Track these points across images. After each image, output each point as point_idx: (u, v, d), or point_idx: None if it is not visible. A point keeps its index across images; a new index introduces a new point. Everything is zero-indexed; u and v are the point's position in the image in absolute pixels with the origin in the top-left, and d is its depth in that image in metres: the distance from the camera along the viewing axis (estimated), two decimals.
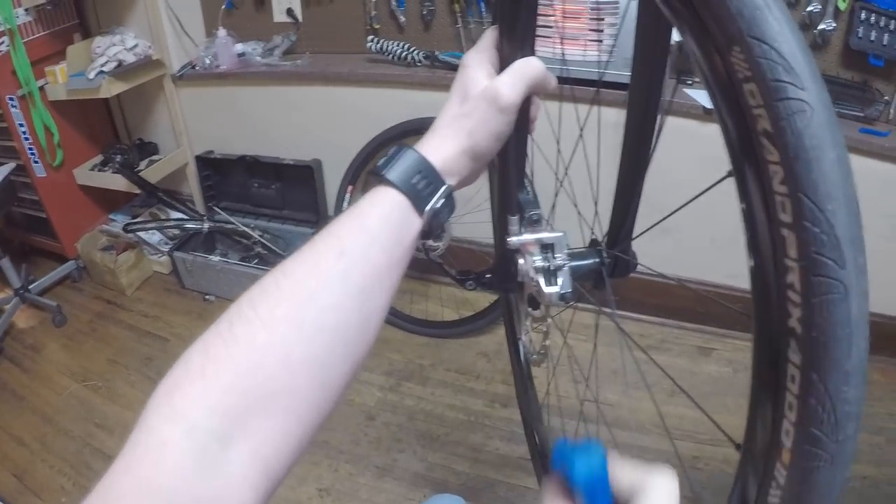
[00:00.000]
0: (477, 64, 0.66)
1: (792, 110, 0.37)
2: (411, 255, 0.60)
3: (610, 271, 0.85)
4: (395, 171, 0.59)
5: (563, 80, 0.74)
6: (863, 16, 1.86)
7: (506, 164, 0.85)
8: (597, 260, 0.84)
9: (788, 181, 0.38)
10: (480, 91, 0.63)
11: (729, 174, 0.46)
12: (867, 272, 0.38)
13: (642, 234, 0.83)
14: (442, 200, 0.61)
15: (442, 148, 0.63)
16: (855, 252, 0.38)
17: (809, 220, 0.37)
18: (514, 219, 0.85)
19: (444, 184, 0.62)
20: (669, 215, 0.72)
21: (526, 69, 0.64)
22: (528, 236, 0.78)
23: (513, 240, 0.78)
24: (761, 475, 0.47)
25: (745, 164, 0.42)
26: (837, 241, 0.37)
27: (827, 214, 0.37)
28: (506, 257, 0.93)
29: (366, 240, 0.55)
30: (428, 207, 0.60)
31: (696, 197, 0.62)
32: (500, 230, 0.95)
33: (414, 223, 0.59)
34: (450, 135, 0.64)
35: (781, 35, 0.38)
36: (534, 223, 0.81)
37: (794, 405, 0.41)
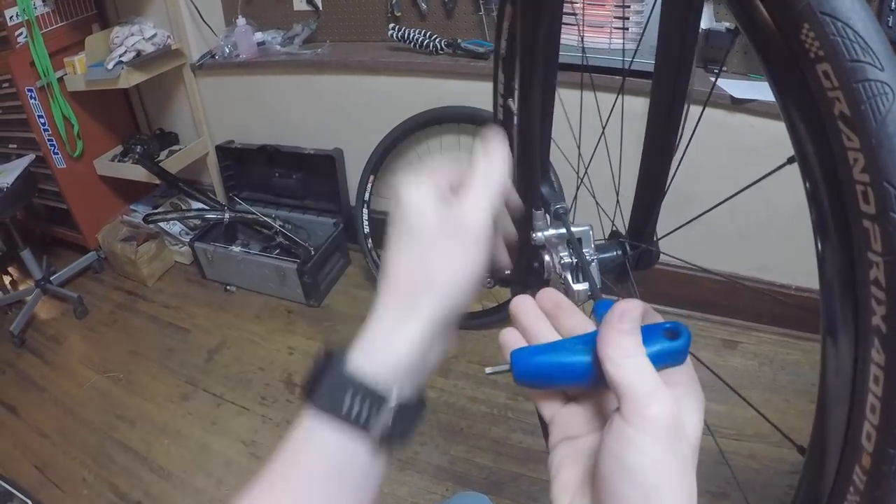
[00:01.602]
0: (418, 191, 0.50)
1: (873, 93, 0.34)
2: (377, 491, 0.48)
3: (633, 264, 0.81)
4: (322, 393, 0.45)
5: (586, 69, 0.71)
6: (894, 4, 1.78)
7: (529, 157, 0.81)
8: (619, 252, 0.80)
9: (871, 169, 0.34)
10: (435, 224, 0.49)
11: (789, 161, 0.42)
12: None
13: (674, 231, 0.79)
14: (391, 416, 0.46)
15: (378, 341, 0.47)
16: None
17: None
18: (539, 213, 0.81)
19: (384, 399, 0.46)
20: (711, 209, 0.69)
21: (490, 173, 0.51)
22: (553, 231, 0.74)
23: (538, 235, 0.75)
24: (833, 480, 0.44)
25: (814, 151, 0.39)
26: None
27: None
28: (526, 252, 0.90)
29: (304, 491, 0.45)
30: (370, 434, 0.45)
31: (754, 184, 0.58)
32: (519, 224, 0.92)
33: (361, 458, 0.46)
34: (390, 314, 0.48)
35: (855, 12, 0.35)
36: (560, 217, 0.78)
37: (877, 407, 0.38)
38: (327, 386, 0.45)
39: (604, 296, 0.53)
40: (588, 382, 0.45)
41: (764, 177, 0.55)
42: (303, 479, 0.44)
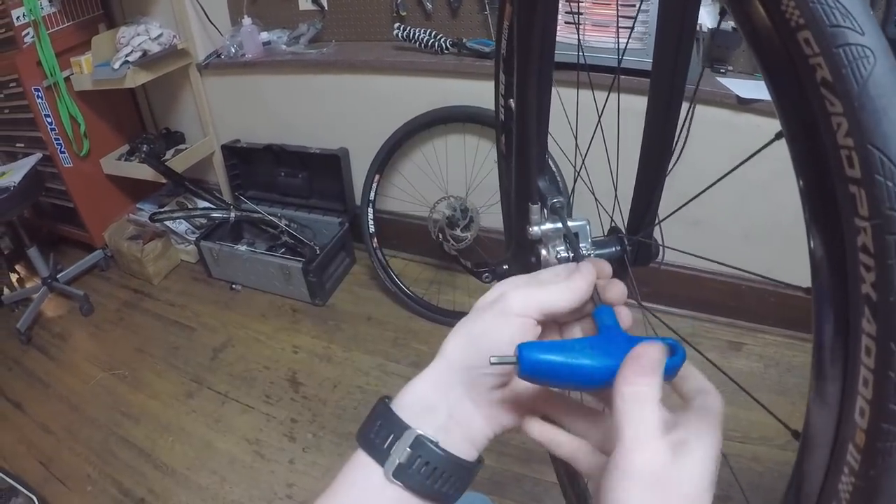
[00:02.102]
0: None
1: (853, 57, 0.34)
2: None
3: (632, 259, 0.81)
4: (362, 426, 0.51)
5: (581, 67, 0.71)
6: None
7: (526, 149, 0.81)
8: (618, 248, 0.79)
9: (855, 133, 0.34)
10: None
11: (778, 136, 0.42)
12: None
13: (667, 217, 0.79)
14: (406, 451, 0.48)
15: (409, 383, 0.53)
16: None
17: (881, 173, 0.33)
18: (536, 207, 0.81)
19: (405, 428, 0.49)
20: (700, 193, 0.68)
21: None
22: (550, 225, 0.74)
23: (534, 229, 0.74)
24: (827, 462, 0.43)
25: (800, 120, 0.38)
26: None
27: None
28: (523, 247, 0.89)
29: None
30: (386, 465, 0.48)
31: (740, 165, 0.58)
32: (517, 219, 0.91)
33: (376, 480, 0.49)
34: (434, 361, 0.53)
35: None
36: (556, 211, 0.78)
37: (869, 380, 0.37)
38: (369, 418, 0.51)
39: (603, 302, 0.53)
40: (592, 387, 0.45)
41: (755, 153, 0.54)
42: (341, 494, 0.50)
